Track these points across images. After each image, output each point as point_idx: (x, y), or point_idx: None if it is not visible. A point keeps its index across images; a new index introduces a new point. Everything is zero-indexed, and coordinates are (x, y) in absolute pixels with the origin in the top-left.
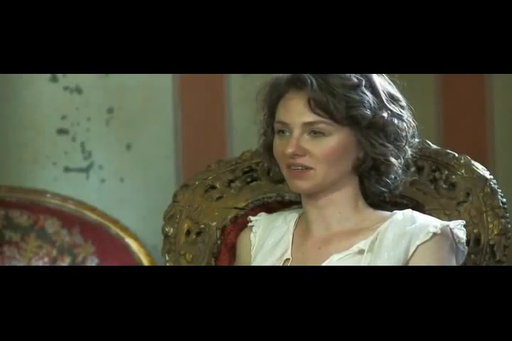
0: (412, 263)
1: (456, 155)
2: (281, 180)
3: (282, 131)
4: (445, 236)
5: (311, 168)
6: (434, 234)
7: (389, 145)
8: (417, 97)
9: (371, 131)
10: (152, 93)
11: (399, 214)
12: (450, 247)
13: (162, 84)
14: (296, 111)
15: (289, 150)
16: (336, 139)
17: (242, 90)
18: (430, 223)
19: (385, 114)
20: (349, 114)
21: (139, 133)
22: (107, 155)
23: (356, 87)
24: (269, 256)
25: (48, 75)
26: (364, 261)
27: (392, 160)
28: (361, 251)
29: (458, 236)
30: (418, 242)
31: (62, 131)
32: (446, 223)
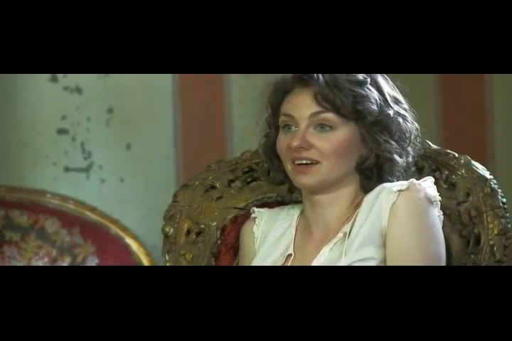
0: (389, 227)
1: (456, 155)
2: (281, 183)
3: (288, 126)
4: (413, 190)
5: (317, 162)
6: (400, 191)
7: (393, 142)
8: (417, 97)
9: (376, 127)
10: (152, 93)
11: (374, 189)
12: (421, 200)
13: (162, 84)
14: (303, 105)
15: (295, 143)
16: (341, 134)
17: (242, 90)
18: (396, 183)
19: (391, 112)
20: (355, 108)
21: (139, 133)
22: (107, 155)
23: (362, 83)
24: (272, 250)
25: (48, 75)
26: (347, 245)
27: (396, 157)
28: (345, 235)
29: (431, 195)
30: (389, 204)
31: (62, 131)
32: (412, 180)
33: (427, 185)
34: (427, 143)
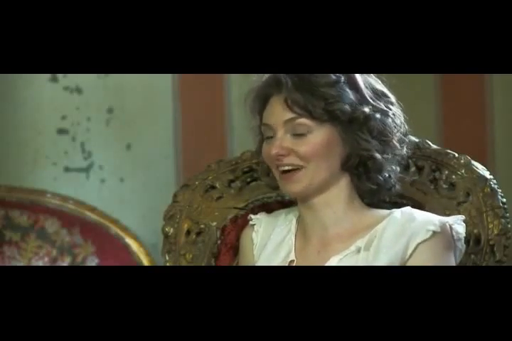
0: (411, 262)
1: (456, 155)
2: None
3: (268, 135)
4: (444, 233)
5: (301, 167)
6: (434, 232)
7: (372, 140)
8: (417, 97)
9: (353, 126)
10: (152, 93)
11: (397, 212)
12: (449, 245)
13: (162, 84)
14: (277, 113)
15: (273, 151)
16: (318, 136)
17: (242, 90)
18: (429, 220)
19: (367, 109)
20: (327, 110)
21: (139, 133)
22: (107, 155)
23: (334, 83)
24: (273, 257)
25: (48, 75)
26: (361, 260)
27: (377, 155)
28: (359, 250)
29: (457, 232)
30: (418, 240)
31: (62, 131)
32: (445, 219)
33: (456, 223)
34: (427, 143)
